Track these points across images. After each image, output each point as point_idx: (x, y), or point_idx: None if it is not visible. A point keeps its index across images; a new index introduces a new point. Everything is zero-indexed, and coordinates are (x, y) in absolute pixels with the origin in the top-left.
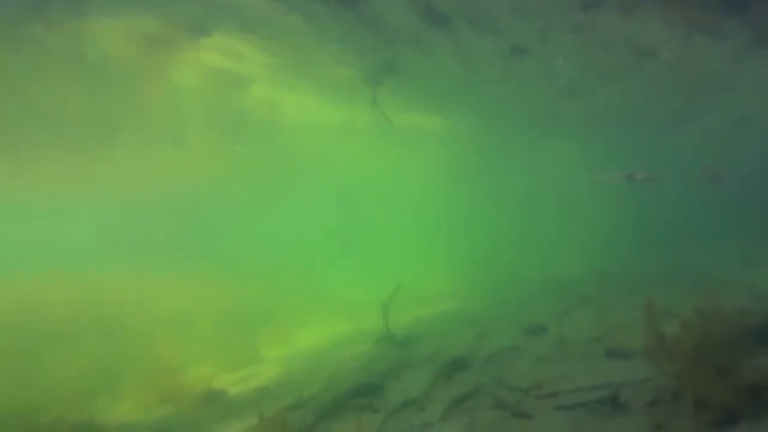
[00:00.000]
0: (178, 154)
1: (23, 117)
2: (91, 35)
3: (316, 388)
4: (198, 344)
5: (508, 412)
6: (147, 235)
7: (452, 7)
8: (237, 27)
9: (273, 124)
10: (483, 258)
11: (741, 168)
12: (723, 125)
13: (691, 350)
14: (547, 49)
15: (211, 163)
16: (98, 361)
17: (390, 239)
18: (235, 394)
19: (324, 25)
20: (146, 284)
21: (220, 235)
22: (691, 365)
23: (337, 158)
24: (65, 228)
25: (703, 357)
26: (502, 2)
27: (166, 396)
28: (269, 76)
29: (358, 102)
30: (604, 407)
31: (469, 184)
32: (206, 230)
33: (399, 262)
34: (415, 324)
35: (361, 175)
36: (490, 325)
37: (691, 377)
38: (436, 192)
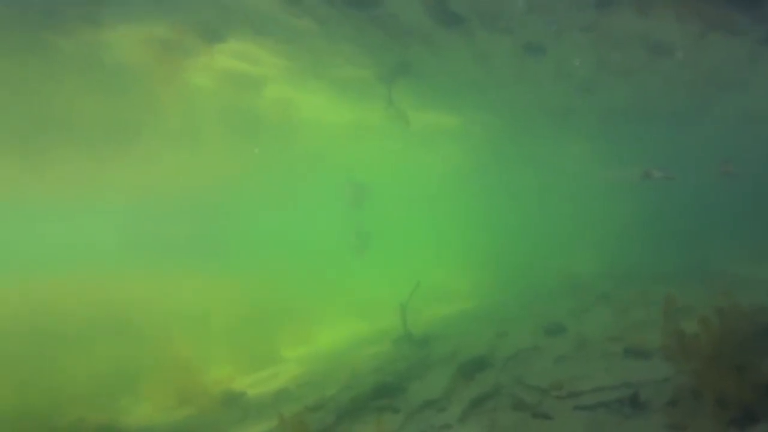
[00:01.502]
0: (195, 155)
1: (42, 121)
2: (108, 42)
3: (335, 389)
4: (217, 346)
5: (528, 414)
6: (165, 237)
7: (466, 7)
8: (251, 31)
9: (288, 124)
10: (498, 256)
11: (756, 164)
12: (737, 122)
13: (710, 349)
14: (561, 47)
15: (228, 164)
16: (118, 363)
17: (406, 238)
18: (254, 396)
19: (337, 28)
20: (165, 286)
21: (237, 235)
22: (710, 364)
23: (353, 157)
24: (85, 229)
25: (722, 355)
26: (516, 1)
27: (185, 398)
28: (284, 78)
29: (374, 101)
30: (624, 407)
31: (484, 182)
32: (224, 231)
33: (416, 261)
34: (433, 323)
35: (377, 174)
36: (508, 324)
37: (711, 376)
38: (451, 190)
